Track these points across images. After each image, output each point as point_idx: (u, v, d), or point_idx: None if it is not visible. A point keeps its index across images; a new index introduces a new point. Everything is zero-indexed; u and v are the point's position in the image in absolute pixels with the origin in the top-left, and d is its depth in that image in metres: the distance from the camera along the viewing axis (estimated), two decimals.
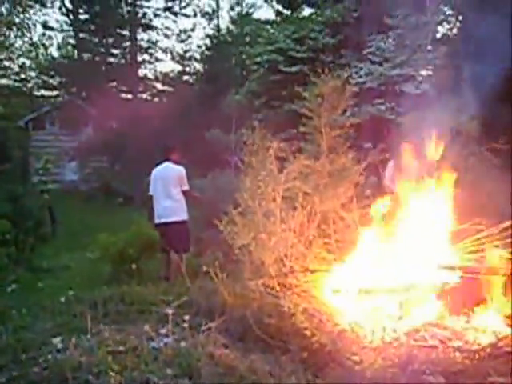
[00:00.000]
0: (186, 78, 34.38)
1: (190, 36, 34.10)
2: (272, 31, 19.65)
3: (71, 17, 31.38)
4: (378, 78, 14.92)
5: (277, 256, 5.18)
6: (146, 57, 33.58)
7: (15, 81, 31.38)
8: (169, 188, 7.41)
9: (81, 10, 31.36)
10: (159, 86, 33.37)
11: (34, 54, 31.26)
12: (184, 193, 7.46)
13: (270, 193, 5.31)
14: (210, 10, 34.30)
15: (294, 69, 17.19)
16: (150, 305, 5.21)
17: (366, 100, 14.31)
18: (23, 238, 9.65)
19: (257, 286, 4.83)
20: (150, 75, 33.80)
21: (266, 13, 31.44)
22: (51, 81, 32.04)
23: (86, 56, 31.82)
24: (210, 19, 34.27)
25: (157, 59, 33.64)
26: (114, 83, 31.78)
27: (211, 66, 31.08)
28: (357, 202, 5.81)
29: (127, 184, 19.79)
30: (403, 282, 4.95)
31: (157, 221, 7.48)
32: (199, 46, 34.28)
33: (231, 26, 33.97)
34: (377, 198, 5.80)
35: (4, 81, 30.60)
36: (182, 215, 7.44)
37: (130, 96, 32.13)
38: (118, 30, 31.78)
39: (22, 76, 31.45)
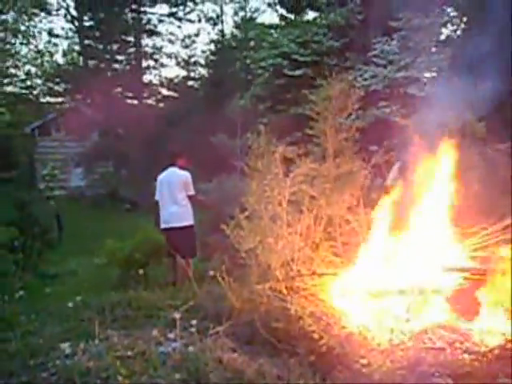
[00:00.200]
0: (190, 83, 34.50)
1: (194, 41, 34.29)
2: (276, 35, 19.69)
3: (76, 24, 31.53)
4: (382, 81, 14.92)
5: (284, 260, 5.18)
6: (151, 62, 33.74)
7: (21, 88, 31.58)
8: (174, 193, 7.43)
9: (86, 17, 31.50)
10: (164, 91, 33.49)
11: (39, 61, 31.52)
12: (190, 198, 7.48)
13: (276, 197, 5.32)
14: (214, 16, 34.48)
15: (298, 72, 17.23)
16: (157, 310, 5.22)
17: (371, 103, 14.30)
18: (30, 244, 9.68)
19: (264, 290, 4.83)
20: (155, 81, 33.97)
21: (270, 17, 31.76)
22: (57, 87, 32.17)
23: (91, 62, 31.94)
24: (215, 24, 34.43)
25: (162, 65, 33.80)
26: (119, 89, 31.88)
27: (216, 71, 31.17)
28: (363, 205, 5.81)
29: (133, 189, 19.85)
30: (410, 284, 4.93)
31: (163, 226, 7.50)
32: (204, 51, 34.50)
33: (235, 31, 34.11)
34: (382, 200, 5.79)
35: (10, 88, 30.81)
36: (189, 220, 7.46)
37: (135, 102, 32.23)
38: (123, 37, 31.89)
39: (28, 83, 31.69)
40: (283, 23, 23.67)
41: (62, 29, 38.32)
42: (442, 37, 16.48)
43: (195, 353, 3.87)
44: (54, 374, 3.66)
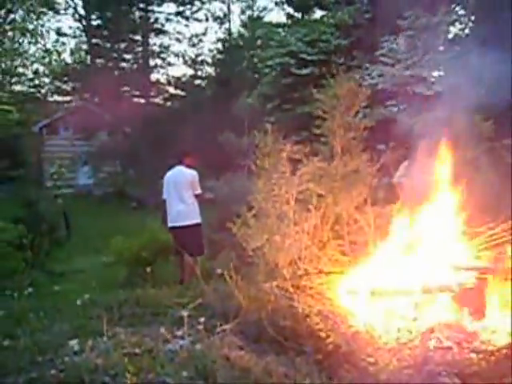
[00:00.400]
0: (198, 81, 34.51)
1: (201, 40, 34.34)
2: (283, 34, 19.68)
3: (84, 23, 31.67)
4: (390, 80, 14.88)
5: (291, 258, 5.19)
6: (158, 61, 33.85)
7: (29, 87, 31.68)
8: (181, 192, 7.45)
9: (93, 16, 31.63)
10: (171, 90, 33.53)
11: (47, 60, 31.52)
12: (196, 196, 7.50)
13: (283, 195, 5.32)
14: (221, 14, 34.55)
15: (305, 71, 17.21)
16: (164, 307, 5.24)
17: (379, 101, 14.27)
18: (38, 242, 9.73)
19: (271, 289, 4.84)
20: (163, 79, 34.04)
21: (277, 16, 31.68)
22: (64, 86, 32.32)
23: (98, 61, 32.06)
24: (222, 23, 34.49)
25: (169, 64, 33.89)
26: (127, 88, 31.95)
27: (223, 70, 31.18)
28: (370, 203, 5.81)
29: (141, 188, 19.89)
30: (418, 282, 4.93)
31: (170, 224, 7.53)
32: (211, 50, 34.53)
33: (242, 30, 34.10)
34: (390, 199, 5.79)
35: (18, 87, 30.92)
36: (195, 218, 7.48)
37: (142, 100, 32.31)
38: (131, 35, 32.01)
39: (36, 82, 31.77)
40: (290, 22, 23.65)
41: (70, 28, 38.34)
42: (450, 35, 16.43)
43: (202, 350, 3.88)
44: (63, 371, 3.68)
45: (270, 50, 18.97)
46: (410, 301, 4.90)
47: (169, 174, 7.67)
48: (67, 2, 30.94)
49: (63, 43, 33.63)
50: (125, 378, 3.39)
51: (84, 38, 32.81)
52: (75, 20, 31.80)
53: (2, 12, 23.92)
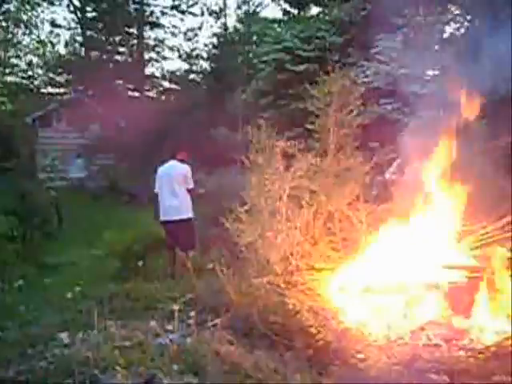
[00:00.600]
0: (192, 76, 34.47)
1: (197, 34, 34.34)
2: (279, 30, 19.67)
3: (79, 14, 31.51)
4: (385, 78, 14.88)
5: (282, 254, 5.20)
6: (153, 55, 33.77)
7: (23, 78, 31.57)
8: (174, 186, 7.44)
9: (88, 8, 31.50)
10: (166, 84, 33.48)
11: (41, 51, 31.46)
12: (189, 191, 7.49)
13: (276, 191, 5.33)
14: (217, 9, 34.44)
15: (301, 68, 17.19)
16: (155, 301, 5.24)
17: (373, 99, 14.27)
18: (30, 234, 9.70)
19: (262, 284, 4.85)
20: (157, 73, 34.00)
21: (273, 12, 31.64)
22: (58, 78, 32.21)
23: (93, 54, 31.93)
24: (218, 18, 34.39)
25: (164, 57, 33.82)
26: (121, 81, 31.85)
27: (218, 65, 31.12)
28: (363, 201, 5.83)
29: (134, 182, 19.84)
30: (408, 280, 4.95)
31: (162, 218, 7.52)
32: (206, 45, 34.44)
33: (238, 25, 34.02)
34: (382, 196, 5.82)
35: (12, 78, 30.77)
36: (187, 213, 7.47)
37: (136, 94, 32.22)
38: (126, 28, 31.90)
39: (30, 73, 31.69)
40: (286, 18, 23.61)
41: (65, 19, 38.27)
42: (445, 35, 16.45)
43: (193, 345, 3.89)
44: (53, 363, 3.68)
45: (266, 46, 18.94)
46: (400, 298, 4.92)
47: (162, 168, 7.66)
48: None
49: (57, 35, 33.51)
50: (115, 371, 3.39)
51: (79, 30, 32.65)
52: (70, 12, 31.68)
53: None
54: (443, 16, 15.21)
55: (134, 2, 32.13)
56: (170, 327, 4.34)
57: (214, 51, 33.22)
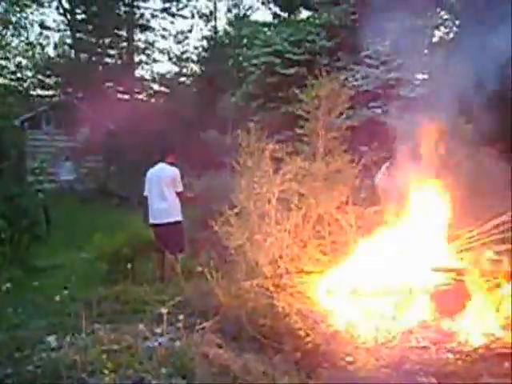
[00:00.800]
0: (182, 79, 34.42)
1: (187, 37, 34.16)
2: (269, 33, 19.69)
3: (68, 16, 31.33)
4: (374, 82, 14.95)
5: (271, 257, 5.21)
6: (143, 57, 33.62)
7: (11, 80, 31.33)
8: (162, 189, 7.42)
9: (78, 10, 31.31)
10: (156, 86, 33.37)
11: (30, 53, 31.27)
12: (178, 194, 7.48)
13: (265, 194, 5.34)
14: (207, 12, 34.41)
15: (290, 71, 17.21)
16: (144, 304, 5.23)
17: (362, 103, 14.33)
18: (18, 237, 9.63)
19: (251, 287, 4.85)
20: (147, 76, 33.83)
21: (263, 15, 31.67)
22: (47, 80, 31.98)
23: (82, 56, 31.77)
24: (208, 21, 34.37)
25: (154, 60, 33.68)
26: (111, 83, 31.72)
27: (208, 68, 31.11)
28: (352, 204, 5.85)
29: (123, 184, 19.77)
30: (397, 283, 4.97)
31: (151, 221, 7.50)
32: (196, 48, 34.36)
33: (228, 28, 34.04)
34: (371, 200, 5.85)
35: (0, 80, 30.56)
36: (176, 216, 7.45)
37: (126, 96, 32.09)
38: (115, 31, 31.75)
39: (19, 75, 31.45)
40: (276, 21, 23.65)
41: (54, 21, 37.97)
42: (435, 39, 16.56)
43: (181, 348, 3.89)
44: (40, 367, 3.66)
45: (256, 49, 18.95)
46: (388, 301, 4.94)
47: (151, 171, 7.64)
48: None
49: (47, 37, 33.28)
50: (103, 375, 3.38)
51: (68, 32, 32.46)
52: (59, 13, 31.45)
53: None
54: (432, 20, 15.30)
55: (124, 4, 32.03)
56: (158, 330, 4.33)
57: (204, 54, 33.20)
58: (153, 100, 32.92)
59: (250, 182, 5.47)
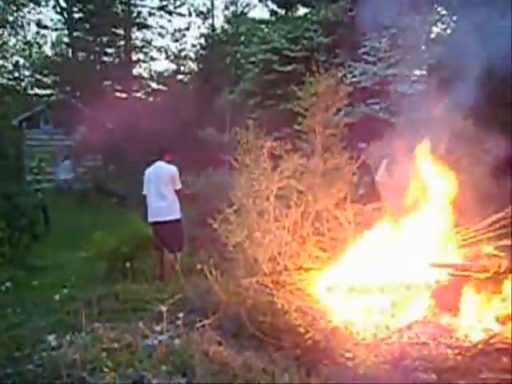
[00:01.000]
0: (180, 77, 34.36)
1: (184, 35, 34.11)
2: (267, 31, 19.65)
3: (65, 15, 31.27)
4: (372, 78, 14.95)
5: (271, 254, 5.20)
6: (141, 56, 33.57)
7: (9, 79, 31.26)
8: (161, 187, 7.42)
9: (75, 9, 31.25)
10: (154, 84, 33.33)
11: (27, 52, 31.19)
12: (177, 192, 7.48)
13: (264, 191, 5.34)
14: (204, 10, 34.32)
15: (288, 68, 17.20)
16: (144, 303, 5.24)
17: (360, 100, 14.33)
18: (17, 236, 9.62)
19: (251, 284, 4.85)
20: (145, 74, 33.78)
21: (260, 12, 31.64)
22: (45, 79, 31.92)
23: (80, 55, 31.73)
24: (205, 18, 34.28)
25: (151, 58, 33.64)
26: (109, 82, 31.69)
27: (206, 65, 31.07)
28: (350, 200, 5.84)
29: (122, 183, 19.75)
30: (396, 279, 4.98)
31: (150, 220, 7.50)
32: (194, 45, 34.29)
33: (226, 26, 33.97)
34: (370, 196, 5.84)
35: None
36: (175, 214, 7.45)
37: (124, 95, 32.05)
38: (113, 29, 31.70)
39: (16, 74, 31.37)
40: (274, 19, 23.60)
41: (51, 20, 37.97)
42: (432, 35, 16.54)
43: (181, 346, 3.89)
44: (40, 366, 3.66)
45: (253, 46, 18.94)
46: (388, 297, 4.95)
47: (149, 169, 7.64)
48: None
49: (44, 36, 33.20)
50: (103, 373, 3.38)
51: (65, 31, 32.38)
52: (56, 12, 31.36)
53: None
54: (430, 16, 15.29)
55: (121, 3, 31.97)
56: (158, 328, 4.34)
57: (201, 52, 33.14)
58: (151, 98, 32.88)
59: (249, 179, 5.47)
